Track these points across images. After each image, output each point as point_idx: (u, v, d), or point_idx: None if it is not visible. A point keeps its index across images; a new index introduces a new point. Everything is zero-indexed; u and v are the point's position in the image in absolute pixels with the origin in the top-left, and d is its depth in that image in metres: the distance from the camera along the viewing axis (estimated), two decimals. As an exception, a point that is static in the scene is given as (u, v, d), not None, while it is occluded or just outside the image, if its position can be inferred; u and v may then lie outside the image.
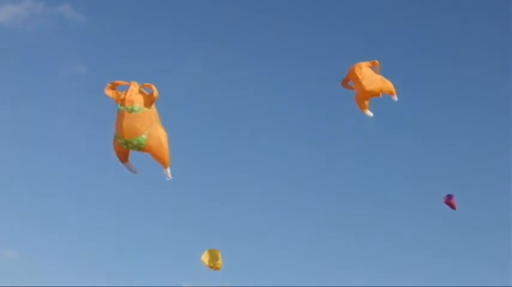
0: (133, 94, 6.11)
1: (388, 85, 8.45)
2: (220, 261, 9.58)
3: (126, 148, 6.31)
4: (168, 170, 6.46)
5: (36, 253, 16.71)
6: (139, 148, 6.23)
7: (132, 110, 6.08)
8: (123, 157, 6.54)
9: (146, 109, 6.14)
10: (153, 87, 6.15)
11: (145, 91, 6.20)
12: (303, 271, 15.79)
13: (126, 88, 6.22)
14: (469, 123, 17.85)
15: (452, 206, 10.40)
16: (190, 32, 19.09)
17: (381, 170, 17.61)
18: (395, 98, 8.59)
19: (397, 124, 17.76)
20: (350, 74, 8.37)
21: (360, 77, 8.18)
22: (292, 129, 18.70)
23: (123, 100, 6.10)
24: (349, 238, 16.58)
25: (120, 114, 6.14)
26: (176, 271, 15.80)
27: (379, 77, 8.40)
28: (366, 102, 8.66)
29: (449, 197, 10.45)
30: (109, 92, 6.21)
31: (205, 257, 9.57)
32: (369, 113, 8.73)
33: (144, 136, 6.14)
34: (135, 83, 6.17)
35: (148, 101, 6.15)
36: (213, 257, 9.58)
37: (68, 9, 18.82)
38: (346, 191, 17.60)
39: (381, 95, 8.49)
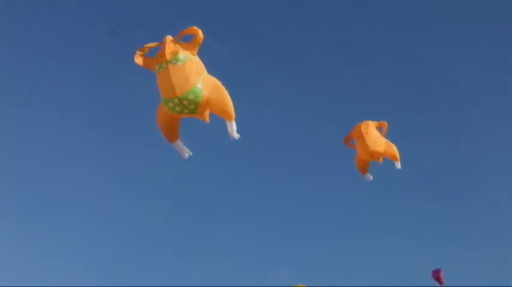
0: (172, 46, 5.43)
1: (393, 150, 8.04)
2: None
3: (179, 111, 5.45)
4: (234, 124, 5.59)
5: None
6: (196, 102, 5.37)
7: (177, 60, 5.38)
8: (172, 133, 5.69)
9: (192, 56, 5.45)
10: (196, 29, 5.46)
11: (182, 42, 5.51)
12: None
13: (157, 50, 5.53)
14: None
15: (440, 281, 10.31)
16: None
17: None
18: (399, 165, 8.14)
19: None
20: (355, 131, 8.07)
21: (365, 135, 7.82)
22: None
23: (162, 56, 5.39)
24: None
25: (163, 73, 5.38)
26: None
27: (384, 139, 8.01)
28: (366, 164, 8.25)
29: (438, 271, 10.37)
30: (139, 60, 5.55)
31: None
32: (369, 176, 8.31)
33: (199, 85, 5.38)
34: (169, 37, 5.49)
35: (193, 47, 5.47)
36: None
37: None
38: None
39: (381, 160, 8.07)
